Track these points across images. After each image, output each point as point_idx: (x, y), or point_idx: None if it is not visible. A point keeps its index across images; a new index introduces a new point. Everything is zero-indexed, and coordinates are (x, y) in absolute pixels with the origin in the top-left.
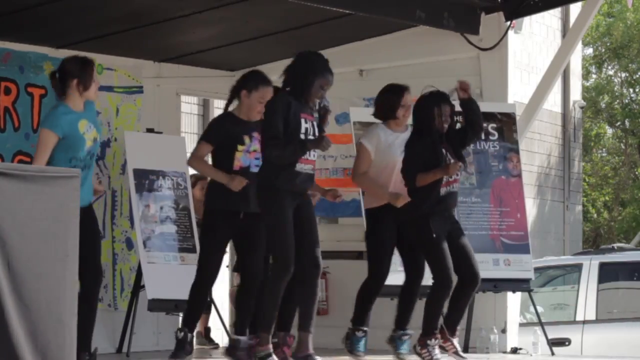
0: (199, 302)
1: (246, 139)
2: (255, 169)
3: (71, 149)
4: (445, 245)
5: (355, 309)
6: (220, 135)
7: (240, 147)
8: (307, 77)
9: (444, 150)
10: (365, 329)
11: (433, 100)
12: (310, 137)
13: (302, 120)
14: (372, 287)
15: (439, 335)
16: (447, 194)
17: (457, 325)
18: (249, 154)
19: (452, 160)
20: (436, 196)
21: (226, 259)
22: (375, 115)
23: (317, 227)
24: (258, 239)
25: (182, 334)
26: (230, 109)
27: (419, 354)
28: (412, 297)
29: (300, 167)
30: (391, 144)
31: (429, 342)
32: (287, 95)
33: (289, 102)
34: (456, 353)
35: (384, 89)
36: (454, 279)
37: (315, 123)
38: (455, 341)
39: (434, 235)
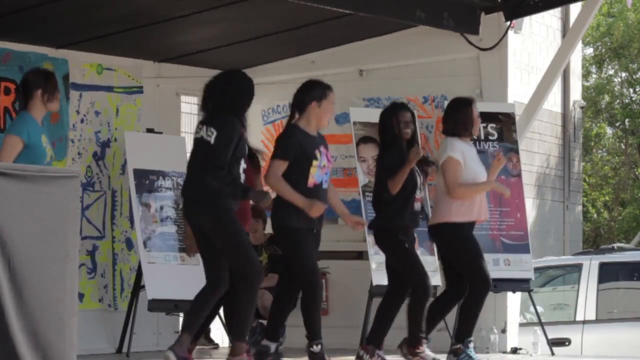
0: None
1: (317, 153)
2: (324, 185)
3: (33, 160)
4: (416, 253)
5: (467, 323)
6: (296, 150)
7: (314, 163)
8: (244, 102)
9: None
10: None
11: (391, 111)
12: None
13: (245, 146)
14: (484, 298)
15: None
16: (418, 210)
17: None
18: (321, 169)
19: (417, 170)
20: (411, 211)
21: None
22: (446, 131)
23: None
24: (317, 252)
25: (320, 347)
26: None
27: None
28: (479, 306)
29: None
30: (472, 159)
31: (418, 350)
32: (239, 123)
33: (241, 132)
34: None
35: (451, 105)
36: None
37: None
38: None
39: (406, 246)
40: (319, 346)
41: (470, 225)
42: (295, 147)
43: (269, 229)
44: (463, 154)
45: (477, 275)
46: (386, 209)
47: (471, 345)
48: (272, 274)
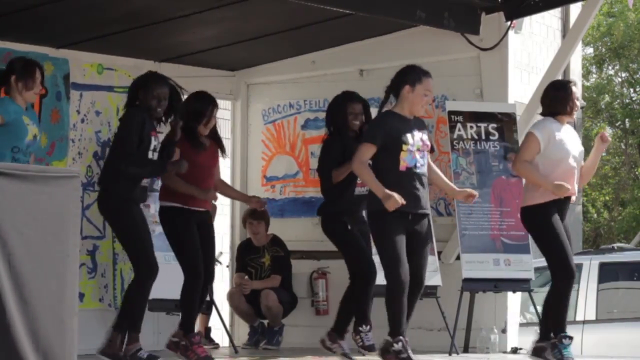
0: (401, 305)
1: (409, 137)
2: (420, 169)
3: (14, 137)
4: (359, 239)
5: (554, 317)
6: (386, 135)
7: (404, 147)
8: (145, 93)
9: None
10: (570, 335)
11: (343, 100)
12: (156, 153)
13: (152, 138)
14: (567, 284)
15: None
16: (360, 194)
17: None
18: (412, 153)
19: None
20: (351, 195)
21: (227, 259)
22: (544, 112)
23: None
24: (424, 239)
25: (400, 344)
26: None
27: (329, 348)
28: (562, 299)
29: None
30: (565, 138)
31: (361, 329)
32: (140, 112)
33: (143, 120)
34: (344, 355)
35: (551, 86)
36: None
37: (159, 140)
38: (344, 344)
39: (349, 228)
40: (399, 344)
41: (557, 204)
42: (386, 132)
43: (271, 230)
44: (550, 134)
45: (557, 264)
46: (328, 195)
47: (566, 341)
48: (275, 275)
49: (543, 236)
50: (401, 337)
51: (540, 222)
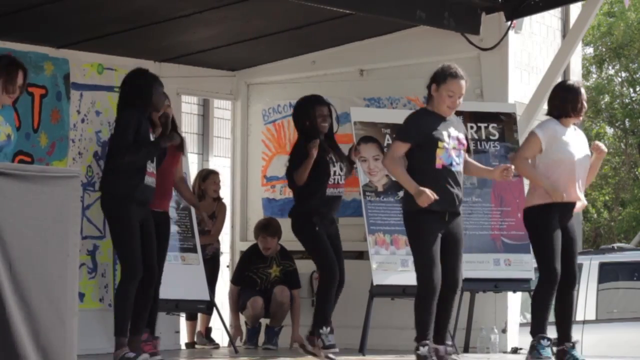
0: (431, 309)
1: (444, 134)
2: (456, 167)
3: None
4: (326, 240)
5: (534, 318)
6: (420, 133)
7: (440, 144)
8: (145, 92)
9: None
10: (549, 337)
11: (309, 102)
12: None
13: (151, 136)
14: (548, 287)
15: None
16: (332, 195)
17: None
18: (448, 151)
19: (333, 159)
20: (322, 196)
21: (227, 259)
22: (552, 113)
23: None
24: (459, 239)
25: (426, 348)
26: None
27: (310, 351)
28: (566, 305)
29: (148, 180)
30: (568, 141)
31: (321, 331)
32: (137, 112)
33: (140, 119)
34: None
35: (560, 86)
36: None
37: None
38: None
39: (317, 229)
40: (425, 348)
41: (558, 207)
42: (419, 130)
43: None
44: (552, 136)
45: (543, 267)
46: (299, 195)
47: (544, 342)
48: (295, 290)
49: (536, 238)
50: (427, 342)
51: (537, 224)
